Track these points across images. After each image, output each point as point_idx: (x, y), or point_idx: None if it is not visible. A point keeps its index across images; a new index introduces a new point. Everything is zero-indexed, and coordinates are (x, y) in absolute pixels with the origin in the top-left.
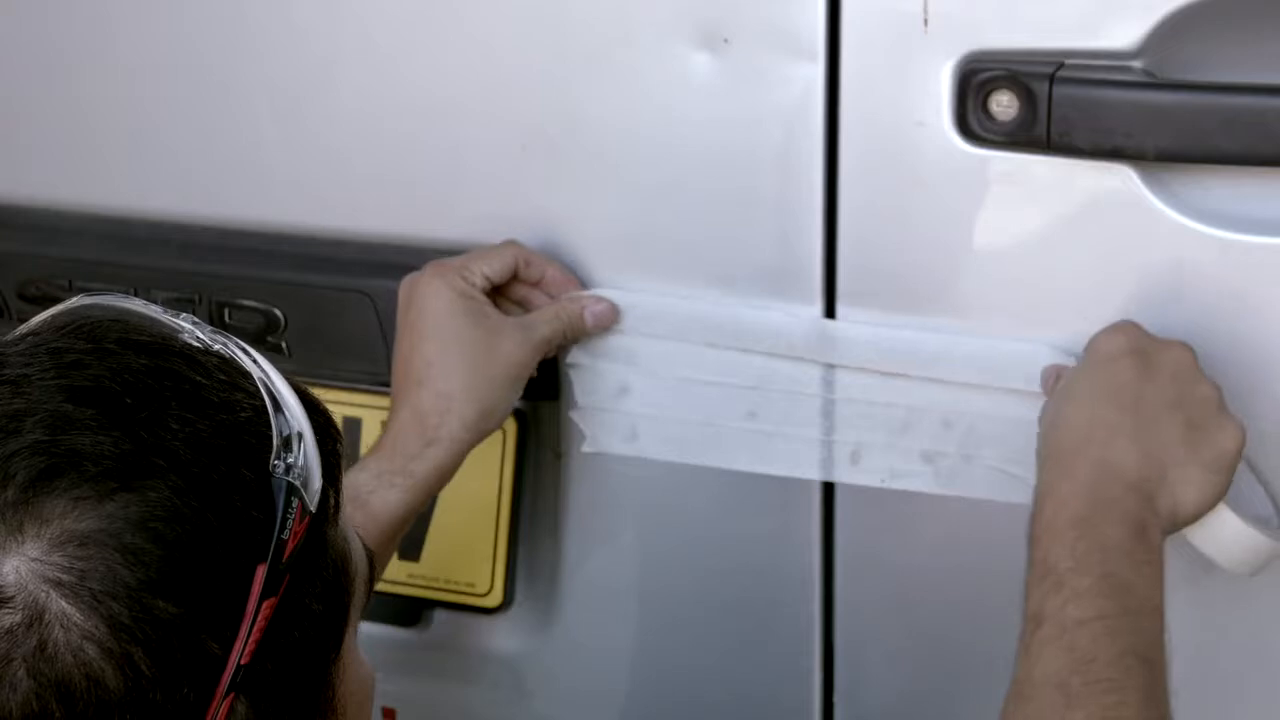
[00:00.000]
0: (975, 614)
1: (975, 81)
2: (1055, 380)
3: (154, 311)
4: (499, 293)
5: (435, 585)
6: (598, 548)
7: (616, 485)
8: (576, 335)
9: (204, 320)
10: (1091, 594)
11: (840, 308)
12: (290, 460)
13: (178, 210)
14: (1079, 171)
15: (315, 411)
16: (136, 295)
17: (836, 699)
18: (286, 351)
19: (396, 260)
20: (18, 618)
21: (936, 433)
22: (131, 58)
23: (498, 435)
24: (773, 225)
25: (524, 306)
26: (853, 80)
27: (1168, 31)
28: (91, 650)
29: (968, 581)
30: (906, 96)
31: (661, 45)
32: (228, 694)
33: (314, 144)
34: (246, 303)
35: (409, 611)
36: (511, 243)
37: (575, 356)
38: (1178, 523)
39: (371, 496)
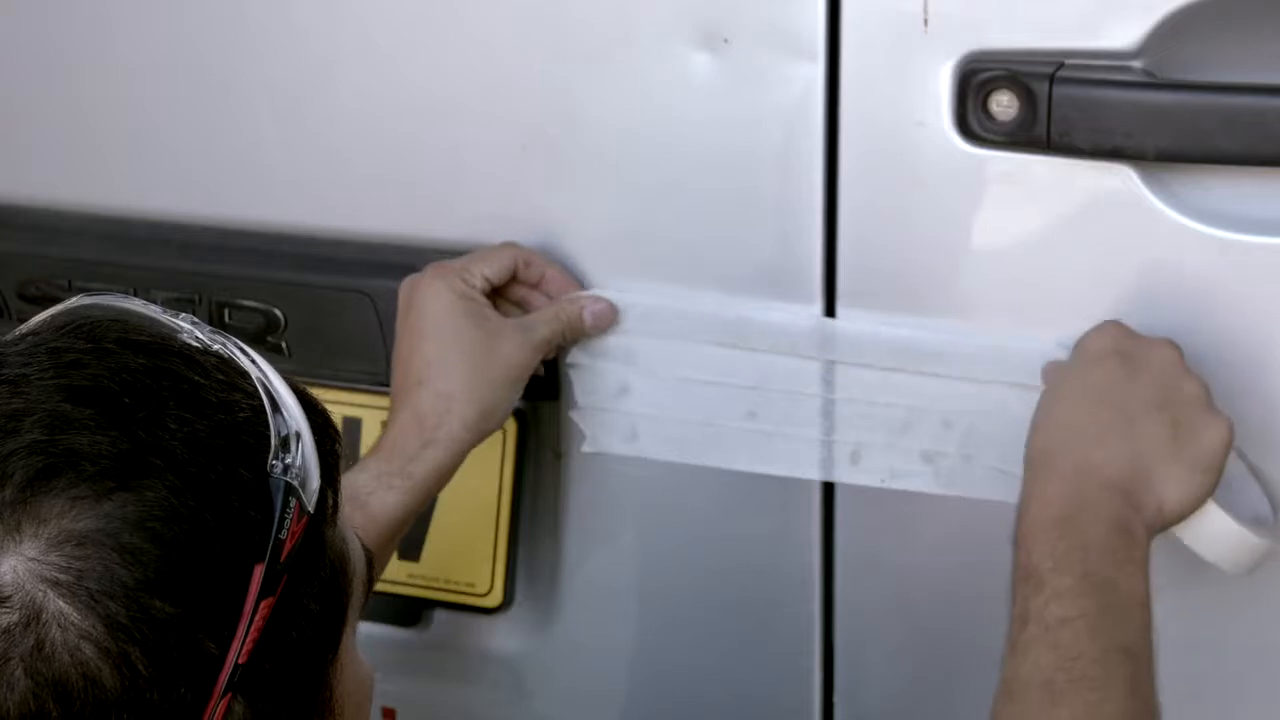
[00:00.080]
0: (975, 614)
1: (975, 81)
2: None
3: (153, 311)
4: (499, 294)
5: (435, 585)
6: (598, 548)
7: (616, 485)
8: (576, 335)
9: (204, 320)
10: (1073, 593)
11: (840, 308)
12: (288, 460)
13: (178, 210)
14: (1079, 171)
15: (313, 412)
16: (136, 295)
17: (836, 699)
18: (286, 351)
19: (396, 260)
20: (15, 617)
21: (936, 433)
22: (131, 58)
23: (497, 435)
24: (773, 225)
25: (524, 308)
26: (853, 80)
27: (1168, 31)
28: (89, 650)
29: (968, 581)
30: (906, 96)
31: (661, 45)
32: (225, 694)
33: (314, 144)
34: (246, 303)
35: (409, 611)
36: (511, 244)
37: (575, 356)
38: (1165, 521)
39: (370, 497)
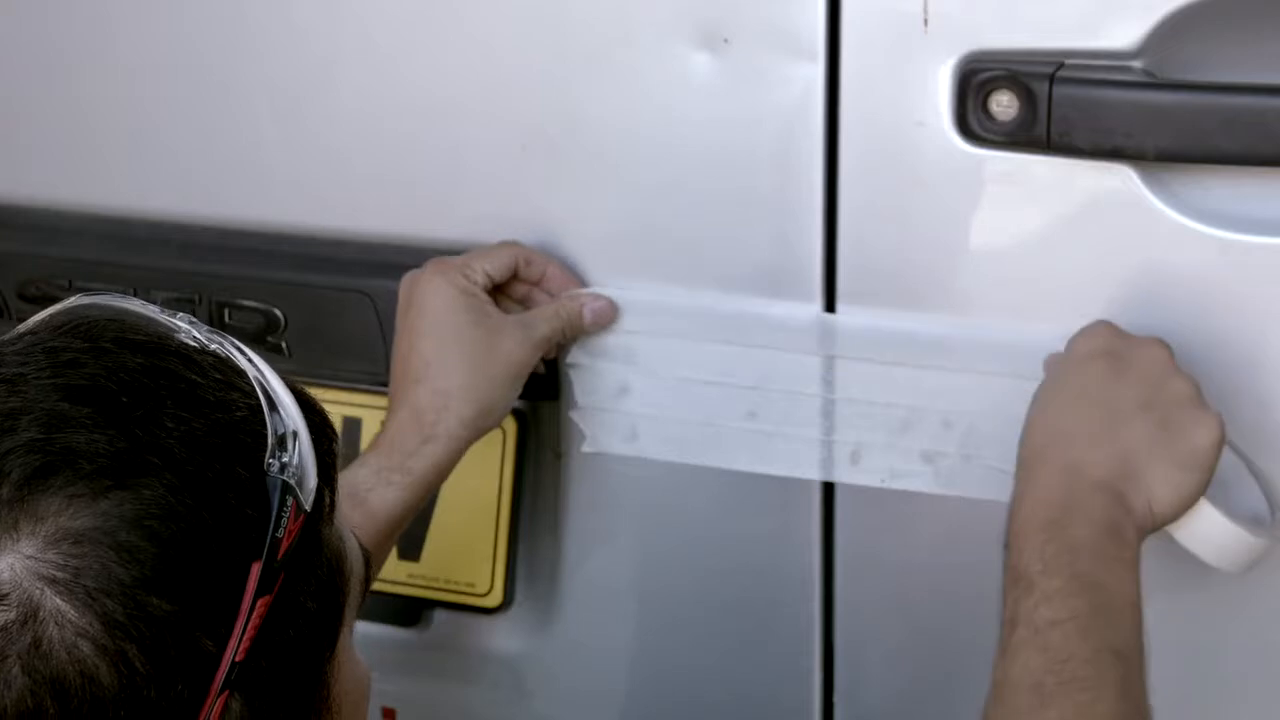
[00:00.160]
0: (975, 614)
1: (975, 81)
2: None
3: (151, 311)
4: (500, 292)
5: (435, 585)
6: (598, 548)
7: (616, 485)
8: (576, 333)
9: (204, 320)
10: (1062, 594)
11: (840, 307)
12: (285, 459)
13: (178, 210)
14: (1079, 171)
15: (311, 411)
16: (136, 295)
17: (836, 699)
18: (286, 351)
19: (396, 260)
20: (12, 615)
21: (936, 433)
22: (131, 58)
23: (498, 435)
24: (773, 225)
25: (525, 305)
26: (853, 80)
27: (1168, 31)
28: (86, 647)
29: (968, 581)
30: (906, 96)
31: (661, 45)
32: (222, 691)
33: (314, 144)
34: (246, 303)
35: (409, 611)
36: (512, 242)
37: (575, 356)
38: (1156, 521)
39: (369, 494)
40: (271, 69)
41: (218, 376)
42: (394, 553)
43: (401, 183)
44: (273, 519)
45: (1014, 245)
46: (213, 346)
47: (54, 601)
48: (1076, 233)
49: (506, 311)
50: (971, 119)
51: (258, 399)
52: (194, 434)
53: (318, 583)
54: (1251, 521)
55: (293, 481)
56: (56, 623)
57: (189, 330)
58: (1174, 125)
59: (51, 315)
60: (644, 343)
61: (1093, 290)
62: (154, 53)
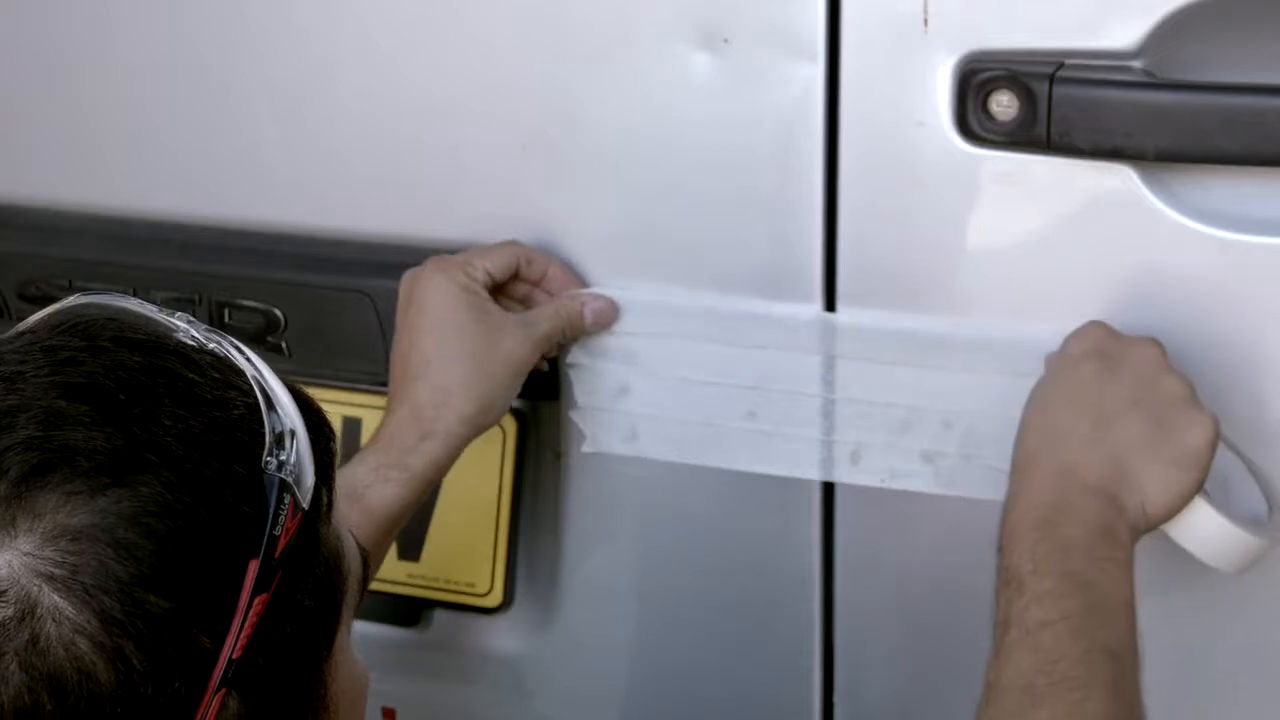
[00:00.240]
0: (975, 613)
1: (975, 81)
2: None
3: (149, 310)
4: (501, 291)
5: (435, 585)
6: (598, 547)
7: (616, 485)
8: (576, 332)
9: (204, 320)
10: (1053, 595)
11: (840, 308)
12: (283, 457)
13: (178, 210)
14: (1079, 171)
15: (308, 410)
16: (135, 295)
17: (836, 699)
18: (286, 351)
19: (396, 260)
20: (10, 611)
21: (936, 433)
22: (131, 58)
23: (498, 435)
24: (773, 225)
25: (526, 305)
26: (853, 80)
27: (1168, 31)
28: (83, 644)
29: (968, 581)
30: (906, 96)
31: (661, 45)
32: (219, 689)
33: (314, 144)
34: (246, 303)
35: (409, 611)
36: (513, 241)
37: (575, 356)
38: (1150, 521)
39: (368, 491)
40: (271, 69)
41: (216, 375)
42: (394, 552)
43: (401, 183)
44: (270, 517)
45: (1014, 245)
46: (211, 345)
47: (51, 598)
48: (1076, 233)
49: (507, 311)
50: (971, 119)
51: (255, 398)
52: (192, 432)
53: (315, 581)
54: (1250, 521)
55: (290, 480)
56: (54, 620)
57: (187, 329)
58: (1174, 125)
59: (50, 314)
60: (644, 343)
61: (1093, 290)
62: (154, 53)
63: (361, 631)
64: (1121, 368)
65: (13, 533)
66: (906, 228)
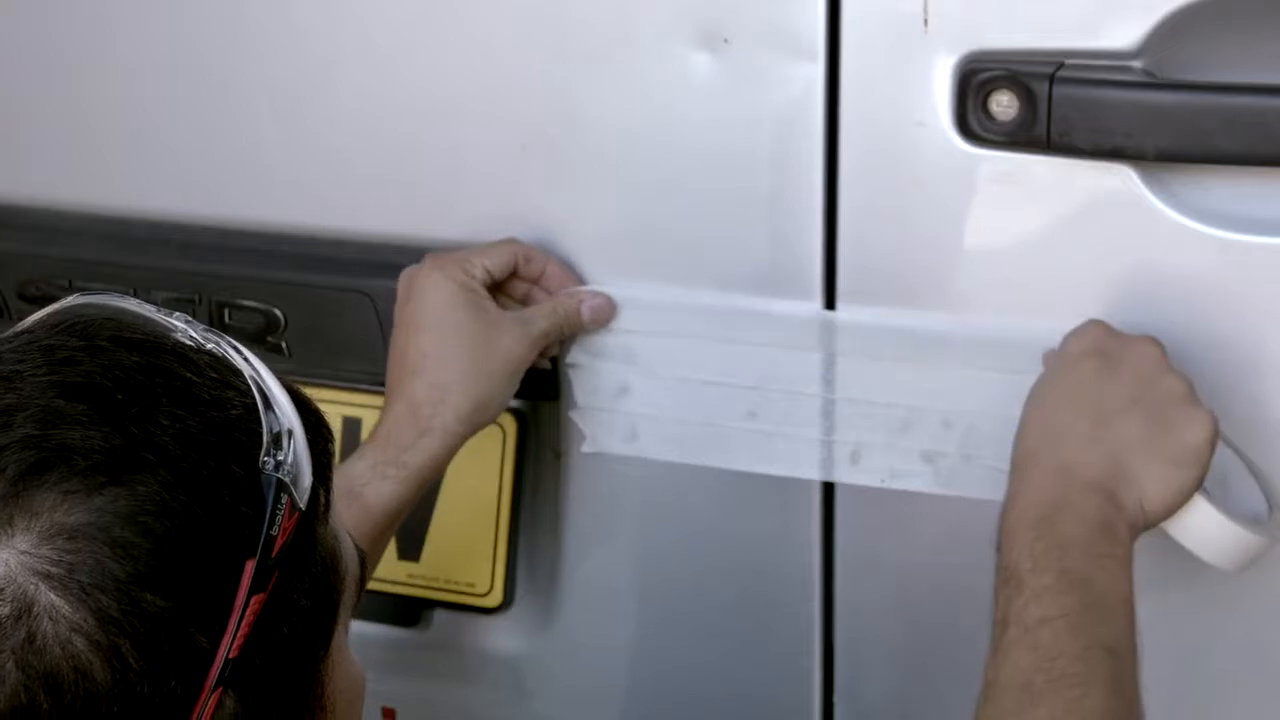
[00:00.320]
0: (975, 613)
1: (975, 81)
2: None
3: (147, 310)
4: (499, 290)
5: (435, 585)
6: (598, 548)
7: (616, 485)
8: (574, 330)
9: (204, 320)
10: (1052, 592)
11: (840, 307)
12: (280, 457)
13: (178, 210)
14: (1079, 171)
15: (306, 410)
16: (136, 295)
17: (836, 698)
18: (286, 351)
19: (396, 260)
20: (7, 610)
21: (936, 433)
22: (131, 58)
23: (498, 435)
24: (773, 225)
25: (524, 304)
26: (853, 80)
27: (1168, 31)
28: (80, 643)
29: (968, 581)
30: (906, 96)
31: (661, 45)
32: (216, 688)
33: (314, 144)
34: (246, 303)
35: (409, 611)
36: (512, 240)
37: (575, 356)
38: (1148, 519)
39: (365, 488)
40: (271, 69)
41: (213, 375)
42: (394, 552)
43: (401, 183)
44: (267, 517)
45: (1014, 245)
46: (209, 345)
47: (48, 597)
48: (1076, 233)
49: (505, 309)
50: (971, 119)
51: (253, 397)
52: (189, 431)
53: (312, 581)
54: (1250, 520)
55: (287, 480)
56: (51, 618)
57: (185, 329)
58: (1174, 125)
59: (49, 314)
60: (644, 343)
61: (1093, 290)
62: (154, 53)
63: (361, 631)
64: (1121, 366)
65: (10, 531)
66: (906, 228)
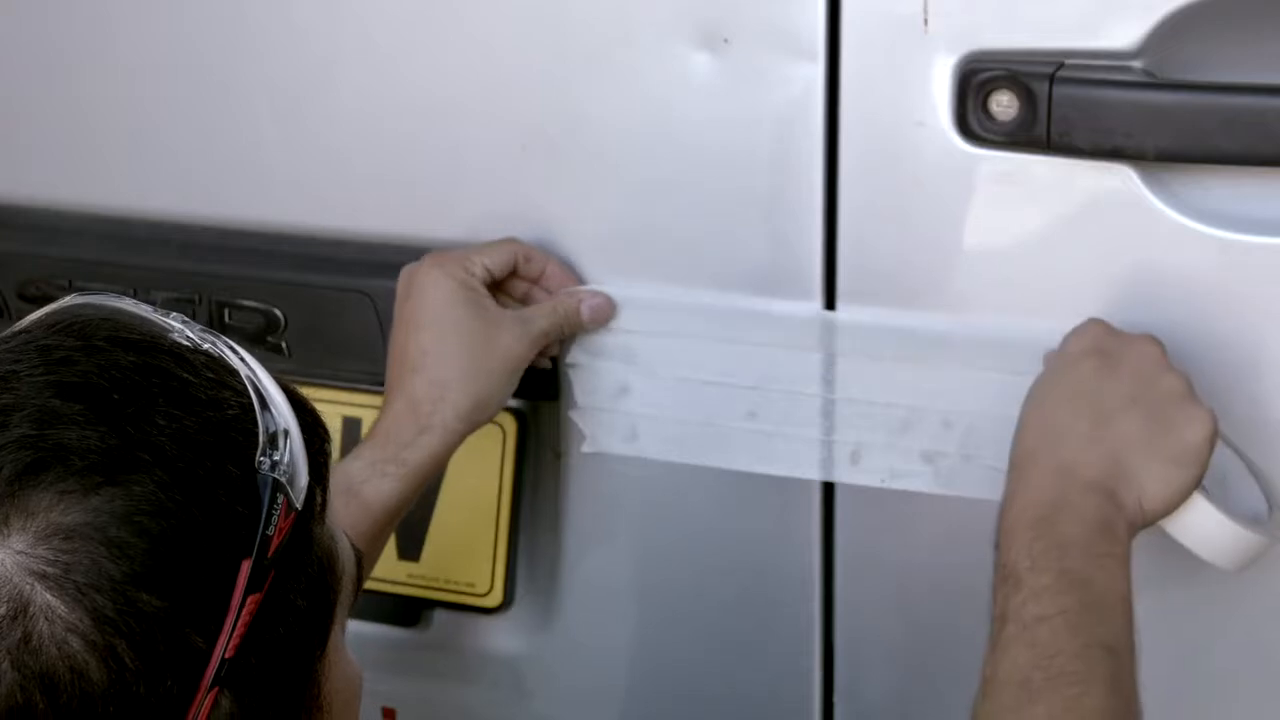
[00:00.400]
0: (975, 613)
1: (975, 81)
2: None
3: (144, 310)
4: (499, 289)
5: (435, 585)
6: (598, 547)
7: (616, 485)
8: (574, 329)
9: (204, 320)
10: (1051, 591)
11: (840, 308)
12: (276, 457)
13: (178, 210)
14: (1079, 171)
15: (303, 410)
16: (135, 295)
17: (836, 698)
18: (286, 351)
19: (396, 260)
20: (2, 610)
21: (936, 433)
22: (131, 58)
23: (498, 435)
24: (772, 225)
25: (524, 303)
26: (853, 80)
27: (1168, 31)
28: (75, 643)
29: (967, 581)
30: (906, 96)
31: (661, 45)
32: (212, 688)
33: (314, 144)
34: (246, 303)
35: (409, 611)
36: (512, 239)
37: (575, 356)
38: (1147, 518)
39: (364, 486)
40: (271, 69)
41: (210, 375)
42: (394, 552)
43: (401, 183)
44: (263, 516)
45: (1014, 245)
46: (205, 345)
47: (44, 597)
48: (1076, 233)
49: (505, 308)
50: (971, 119)
51: (249, 397)
52: (185, 431)
53: (308, 581)
54: (1250, 519)
55: (284, 480)
56: (46, 618)
57: (182, 329)
58: (1174, 125)
59: (46, 314)
60: (644, 342)
61: (1093, 290)
62: (154, 53)
63: (361, 631)
64: (1120, 365)
65: (5, 531)
66: (906, 228)
